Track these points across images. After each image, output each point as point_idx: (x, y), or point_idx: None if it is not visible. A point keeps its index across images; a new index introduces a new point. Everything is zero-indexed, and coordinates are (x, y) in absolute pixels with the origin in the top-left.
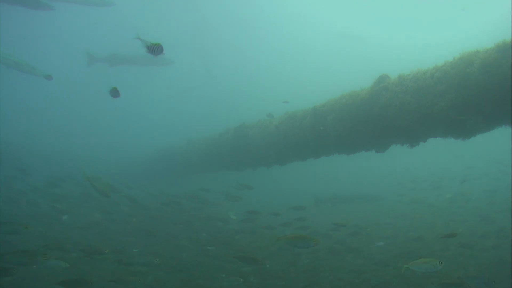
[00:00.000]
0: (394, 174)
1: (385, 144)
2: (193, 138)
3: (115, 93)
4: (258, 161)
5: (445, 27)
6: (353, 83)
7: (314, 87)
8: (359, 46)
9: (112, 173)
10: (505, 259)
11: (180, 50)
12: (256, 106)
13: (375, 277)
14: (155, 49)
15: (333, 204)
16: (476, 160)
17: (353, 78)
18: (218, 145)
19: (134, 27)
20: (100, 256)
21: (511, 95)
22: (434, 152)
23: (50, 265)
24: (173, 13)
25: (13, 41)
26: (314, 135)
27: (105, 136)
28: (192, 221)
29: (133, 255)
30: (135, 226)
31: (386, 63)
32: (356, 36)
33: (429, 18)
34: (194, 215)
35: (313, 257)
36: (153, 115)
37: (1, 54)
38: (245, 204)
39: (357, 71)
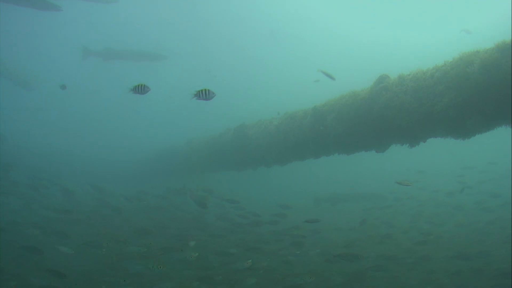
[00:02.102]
0: (394, 174)
1: (385, 144)
2: (193, 138)
3: (141, 89)
4: (258, 161)
5: (445, 27)
6: (353, 83)
7: (314, 87)
8: (359, 47)
9: (111, 173)
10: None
11: (180, 50)
12: (256, 106)
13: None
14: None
15: (333, 203)
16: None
17: (353, 78)
18: (218, 145)
19: (135, 25)
20: None
21: (511, 95)
22: (432, 151)
23: None
24: (173, 12)
25: (13, 39)
26: (314, 135)
27: (104, 136)
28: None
29: None
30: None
31: (385, 63)
32: (357, 36)
33: (429, 19)
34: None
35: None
36: (153, 115)
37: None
38: (244, 204)
39: (357, 71)
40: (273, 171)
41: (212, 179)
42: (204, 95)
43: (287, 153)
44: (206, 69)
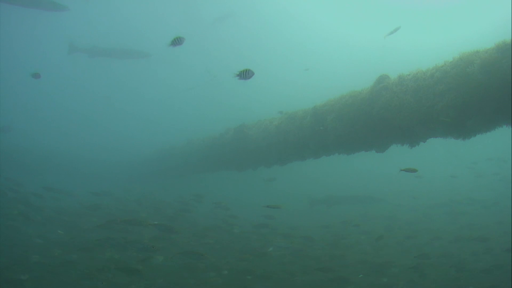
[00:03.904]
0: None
1: (385, 144)
2: (193, 139)
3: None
4: (258, 161)
5: (445, 28)
6: (353, 83)
7: (314, 87)
8: (359, 48)
9: (111, 173)
10: None
11: (180, 50)
12: (256, 106)
13: None
14: (245, 74)
15: (328, 205)
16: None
17: (353, 78)
18: (218, 145)
19: (134, 24)
20: None
21: (511, 95)
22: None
23: None
24: (173, 11)
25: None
26: (314, 135)
27: (103, 136)
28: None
29: None
30: None
31: (386, 64)
32: (356, 38)
33: (430, 20)
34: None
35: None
36: (153, 115)
37: None
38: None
39: (357, 71)
40: (272, 172)
41: (210, 180)
42: (244, 75)
43: (287, 153)
44: (206, 69)
